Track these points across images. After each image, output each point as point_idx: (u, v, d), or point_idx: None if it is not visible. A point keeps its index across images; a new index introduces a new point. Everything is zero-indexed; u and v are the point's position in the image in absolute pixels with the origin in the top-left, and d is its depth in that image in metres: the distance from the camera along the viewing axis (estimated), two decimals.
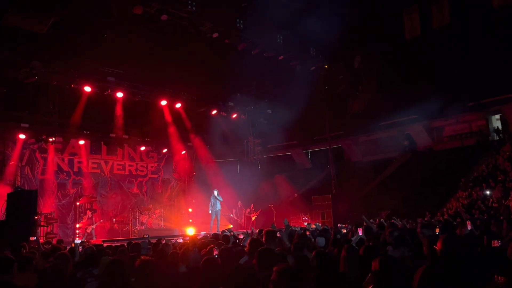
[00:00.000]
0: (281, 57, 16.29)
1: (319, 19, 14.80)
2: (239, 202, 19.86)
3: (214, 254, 4.73)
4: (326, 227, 10.64)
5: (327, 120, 19.61)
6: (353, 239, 7.27)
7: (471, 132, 21.93)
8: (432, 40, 18.68)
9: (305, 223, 17.31)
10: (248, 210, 19.38)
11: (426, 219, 13.31)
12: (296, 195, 21.36)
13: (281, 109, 19.68)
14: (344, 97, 20.46)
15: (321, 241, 5.80)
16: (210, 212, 16.22)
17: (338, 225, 11.33)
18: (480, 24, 18.14)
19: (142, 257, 3.94)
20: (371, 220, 13.19)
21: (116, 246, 7.99)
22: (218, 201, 15.93)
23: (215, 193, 16.12)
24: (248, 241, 4.41)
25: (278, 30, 15.61)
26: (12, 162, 15.54)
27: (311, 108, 19.56)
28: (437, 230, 6.55)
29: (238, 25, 14.27)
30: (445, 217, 14.45)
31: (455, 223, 9.81)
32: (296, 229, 10.35)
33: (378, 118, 21.77)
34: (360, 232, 7.69)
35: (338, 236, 6.44)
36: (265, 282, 3.25)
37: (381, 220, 11.43)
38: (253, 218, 19.01)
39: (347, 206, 18.66)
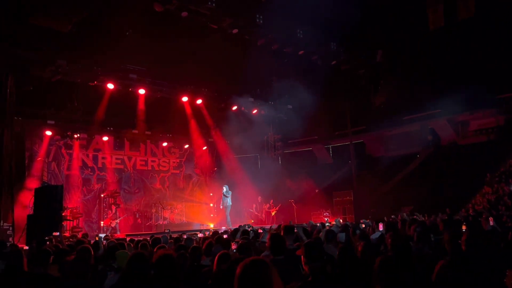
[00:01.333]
0: (301, 52, 16.20)
1: (340, 13, 14.64)
2: (259, 197, 19.93)
3: (232, 248, 4.79)
4: (347, 223, 10.59)
5: (349, 115, 19.43)
6: (373, 235, 7.23)
7: (498, 126, 21.35)
8: (456, 32, 18.24)
9: (326, 219, 17.26)
10: (268, 205, 19.44)
11: (444, 215, 13.06)
12: (317, 191, 21.27)
13: (301, 104, 19.60)
14: (366, 92, 20.20)
15: (342, 236, 5.79)
16: (221, 207, 16.82)
17: (361, 221, 11.25)
18: (505, 16, 17.63)
19: (162, 251, 4.02)
20: (392, 216, 13.09)
21: (138, 240, 8.15)
22: (227, 197, 16.38)
23: (224, 189, 16.50)
24: (268, 236, 4.44)
25: (298, 24, 15.51)
26: (39, 158, 15.99)
27: (332, 103, 19.42)
28: (464, 227, 6.44)
29: (257, 20, 14.25)
30: (470, 213, 14.17)
31: (480, 219, 9.61)
32: (317, 225, 10.35)
33: (400, 113, 21.44)
34: (380, 227, 7.64)
35: (357, 232, 6.40)
36: (312, 273, 3.34)
37: (404, 215, 11.32)
38: (272, 214, 19.06)
39: (369, 202, 18.49)
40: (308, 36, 15.83)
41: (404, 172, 21.38)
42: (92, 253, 4.87)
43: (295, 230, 5.17)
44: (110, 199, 16.89)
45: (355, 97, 19.78)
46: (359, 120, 21.55)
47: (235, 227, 9.59)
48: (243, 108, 19.61)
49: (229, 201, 16.40)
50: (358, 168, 19.96)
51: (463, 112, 21.31)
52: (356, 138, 22.11)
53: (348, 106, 19.28)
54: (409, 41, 19.13)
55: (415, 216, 11.41)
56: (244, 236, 6.65)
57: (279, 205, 19.23)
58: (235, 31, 14.18)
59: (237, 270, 2.04)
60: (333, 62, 17.57)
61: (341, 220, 13.41)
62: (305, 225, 9.35)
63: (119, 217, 16.17)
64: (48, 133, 16.03)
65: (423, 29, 17.81)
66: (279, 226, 8.87)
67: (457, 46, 19.41)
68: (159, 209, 17.77)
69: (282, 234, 4.88)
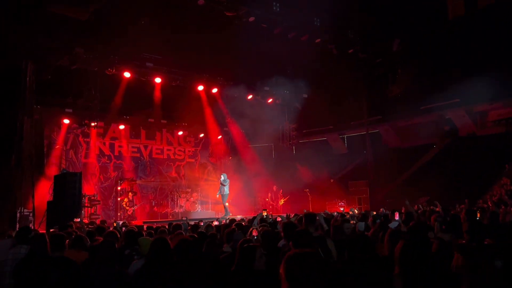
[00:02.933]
0: (317, 40, 16.05)
1: (357, 0, 14.45)
2: (274, 186, 19.94)
3: (254, 235, 4.80)
4: (366, 211, 10.56)
5: (365, 105, 19.23)
6: (390, 224, 7.19)
7: None
8: (476, 20, 17.83)
9: (341, 208, 17.22)
10: (279, 195, 19.54)
11: (462, 206, 12.90)
12: (332, 181, 21.20)
13: (317, 94, 19.47)
14: (383, 81, 19.96)
15: (360, 225, 5.78)
16: (218, 196, 16.47)
17: (381, 210, 11.20)
18: None
19: (181, 236, 4.06)
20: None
21: (156, 227, 8.24)
22: (225, 185, 16.02)
23: (222, 177, 16.20)
24: (281, 224, 4.44)
25: (315, 12, 15.34)
26: (57, 146, 16.21)
27: (348, 93, 19.25)
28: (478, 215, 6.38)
29: (274, 8, 14.14)
30: (488, 204, 13.99)
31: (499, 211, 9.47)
32: (333, 214, 10.33)
33: (417, 103, 21.10)
34: (396, 217, 7.58)
35: (378, 221, 6.37)
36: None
37: (420, 206, 11.22)
38: (280, 203, 19.13)
39: (385, 192, 18.36)
40: (325, 24, 15.66)
41: (421, 163, 21.15)
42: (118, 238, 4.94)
43: (317, 218, 5.16)
44: (126, 187, 17.09)
45: (371, 86, 19.57)
46: (376, 110, 21.32)
47: (253, 216, 9.63)
48: (258, 97, 19.57)
49: (226, 189, 16.14)
50: (373, 158, 19.80)
51: (482, 102, 20.91)
52: (372, 128, 21.89)
53: (364, 95, 19.08)
54: (427, 30, 18.77)
55: (432, 207, 11.30)
56: (263, 224, 6.67)
57: (288, 196, 19.29)
58: (251, 19, 14.09)
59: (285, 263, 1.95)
60: (350, 51, 17.36)
61: (356, 210, 13.37)
62: (322, 214, 9.33)
63: (136, 205, 16.37)
64: (66, 121, 16.23)
65: (442, 17, 17.47)
66: (295, 215, 8.88)
67: (477, 35, 18.98)
68: (175, 197, 17.93)
69: (304, 222, 4.88)
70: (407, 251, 2.95)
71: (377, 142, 22.90)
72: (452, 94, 20.08)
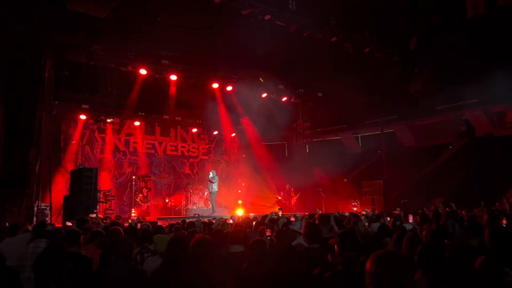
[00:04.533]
0: (333, 39, 15.94)
1: None
2: (287, 185, 19.92)
3: (267, 235, 4.82)
4: (381, 212, 10.49)
5: (380, 104, 19.06)
6: (405, 225, 7.13)
7: None
8: (497, 18, 17.50)
9: (354, 208, 17.14)
10: (292, 194, 19.54)
11: (481, 208, 12.73)
12: (345, 180, 21.09)
13: (331, 92, 19.37)
14: (399, 80, 19.74)
15: (374, 226, 5.75)
16: (206, 194, 16.42)
17: (397, 211, 11.11)
18: None
19: (198, 235, 4.09)
20: (424, 208, 12.86)
21: (171, 224, 8.31)
22: (213, 182, 15.94)
23: (211, 174, 16.13)
24: (304, 223, 4.44)
25: (330, 11, 15.24)
26: (74, 141, 16.45)
27: (362, 91, 19.08)
28: (504, 221, 6.27)
29: (290, 6, 14.09)
30: (504, 207, 13.78)
31: None
32: (345, 214, 10.29)
33: (434, 102, 20.85)
34: (410, 219, 7.53)
35: (398, 223, 6.32)
36: (346, 264, 3.33)
37: (437, 207, 11.10)
38: (293, 201, 19.14)
39: (399, 192, 18.21)
40: (341, 23, 15.56)
41: (436, 163, 20.91)
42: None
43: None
44: (141, 182, 17.25)
45: (387, 85, 19.37)
46: (390, 109, 21.12)
47: (265, 214, 9.64)
48: (272, 96, 19.56)
49: (215, 187, 16.07)
50: (388, 158, 19.63)
51: (500, 103, 20.56)
52: (387, 127, 21.70)
53: (380, 94, 18.92)
54: (445, 28, 18.49)
55: (447, 209, 11.17)
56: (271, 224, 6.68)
57: (298, 194, 19.25)
58: (267, 17, 14.06)
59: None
60: (366, 50, 17.22)
61: (368, 210, 13.27)
62: (336, 214, 9.30)
63: (150, 201, 16.53)
64: (83, 117, 16.45)
65: (461, 16, 17.17)
66: (311, 215, 8.87)
67: (496, 34, 18.64)
68: (189, 194, 18.05)
69: (317, 222, 4.88)
70: (429, 255, 2.94)
71: (391, 141, 22.72)
72: (469, 94, 19.79)
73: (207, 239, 3.77)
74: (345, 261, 3.43)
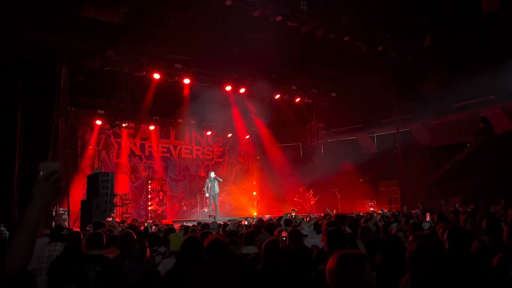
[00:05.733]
0: (346, 38, 15.84)
1: None
2: (301, 187, 19.85)
3: (283, 236, 4.79)
4: (398, 211, 10.37)
5: (395, 103, 18.86)
6: (423, 225, 7.02)
7: None
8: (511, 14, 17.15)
9: (371, 209, 16.97)
10: (307, 195, 19.41)
11: (501, 207, 12.45)
12: (361, 180, 20.92)
13: (345, 92, 19.24)
14: (413, 78, 19.51)
15: (393, 226, 5.68)
16: (207, 195, 15.81)
17: (413, 211, 10.97)
18: None
19: (211, 235, 4.08)
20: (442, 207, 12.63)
21: (186, 226, 8.35)
22: (216, 183, 15.57)
23: (212, 174, 15.83)
24: (325, 222, 4.41)
25: (343, 10, 15.15)
26: (90, 147, 16.68)
27: (377, 90, 18.90)
28: None
29: (302, 7, 14.05)
30: None
31: None
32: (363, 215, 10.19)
33: (450, 100, 20.53)
34: (427, 218, 7.41)
35: (411, 221, 6.23)
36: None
37: (456, 206, 10.91)
38: (312, 203, 19.02)
39: (416, 192, 17.96)
40: (353, 22, 15.45)
41: (453, 162, 20.58)
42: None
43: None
44: (157, 186, 17.38)
45: (402, 84, 19.16)
46: (406, 108, 20.88)
47: (280, 216, 9.61)
48: (285, 97, 19.52)
49: (217, 187, 15.82)
50: (404, 157, 19.40)
51: None
52: (403, 126, 21.46)
53: (394, 93, 18.72)
54: (459, 25, 18.20)
55: (467, 208, 10.99)
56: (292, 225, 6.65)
57: (318, 196, 19.13)
58: (278, 18, 14.05)
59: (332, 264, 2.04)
60: (380, 48, 17.07)
61: (385, 210, 13.11)
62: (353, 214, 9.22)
63: (166, 204, 16.62)
64: (98, 122, 16.67)
65: (475, 12, 16.88)
66: (325, 216, 8.81)
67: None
68: (204, 196, 18.10)
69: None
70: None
71: (407, 141, 22.43)
72: (486, 91, 19.44)
73: (221, 240, 3.77)
74: None
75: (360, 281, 1.97)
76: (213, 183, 15.81)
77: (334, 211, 15.20)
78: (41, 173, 1.82)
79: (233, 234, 5.27)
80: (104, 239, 4.69)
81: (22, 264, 1.77)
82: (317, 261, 3.80)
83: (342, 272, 1.99)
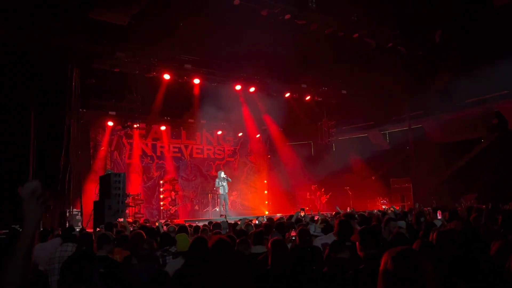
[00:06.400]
0: (355, 35, 15.74)
1: None
2: (314, 185, 19.79)
3: (292, 235, 4.79)
4: (410, 209, 10.28)
5: (407, 99, 18.69)
6: (434, 221, 6.95)
7: None
8: None
9: (383, 206, 16.85)
10: (319, 193, 19.36)
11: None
12: (373, 178, 20.78)
13: (356, 89, 19.12)
14: (425, 74, 19.30)
15: (401, 224, 5.63)
16: (222, 193, 15.85)
17: (426, 209, 10.86)
18: None
19: (215, 236, 4.10)
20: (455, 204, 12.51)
21: (196, 226, 8.39)
22: (225, 182, 15.70)
23: (222, 174, 15.92)
24: (336, 222, 4.40)
25: (351, 7, 15.05)
26: (102, 148, 16.84)
27: (388, 87, 18.75)
28: None
29: (310, 5, 13.99)
30: None
31: None
32: (374, 212, 10.13)
33: (462, 95, 20.26)
34: (439, 215, 7.32)
35: (422, 219, 6.17)
36: (367, 261, 3.26)
37: (470, 204, 10.78)
38: (323, 201, 18.96)
39: (429, 189, 17.78)
40: (363, 18, 15.33)
41: (466, 158, 20.30)
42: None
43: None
44: (169, 186, 17.49)
45: (413, 80, 18.97)
46: (418, 104, 20.68)
47: (291, 214, 9.60)
48: (295, 95, 19.47)
49: (227, 187, 15.99)
50: (416, 154, 19.21)
51: None
52: (415, 123, 21.26)
53: (406, 89, 18.54)
54: (471, 20, 17.95)
55: (479, 205, 10.84)
56: (300, 224, 6.64)
57: (330, 193, 19.06)
58: (287, 16, 14.02)
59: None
60: (390, 44, 16.91)
61: (397, 208, 12.98)
62: (364, 213, 9.16)
63: (178, 204, 16.72)
64: (110, 123, 16.82)
65: (487, 6, 16.63)
66: (336, 214, 8.77)
67: None
68: (215, 196, 18.16)
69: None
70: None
71: (420, 137, 22.23)
72: (500, 85, 19.13)
73: (225, 240, 3.78)
74: (367, 259, 3.35)
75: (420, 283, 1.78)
76: (224, 182, 15.87)
77: (349, 209, 15.15)
78: (25, 195, 1.82)
79: (243, 234, 5.28)
80: (112, 240, 4.74)
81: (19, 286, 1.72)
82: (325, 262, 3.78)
83: (401, 274, 1.81)
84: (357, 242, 3.54)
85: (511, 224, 5.21)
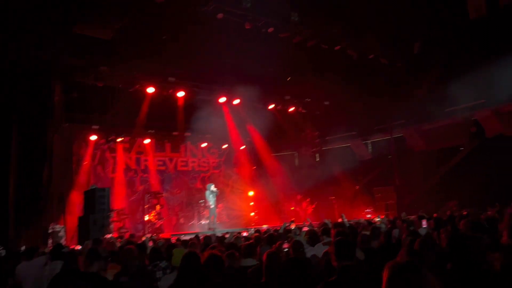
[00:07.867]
0: (337, 47, 16.02)
1: (375, 4, 14.40)
2: (298, 195, 19.87)
3: (285, 247, 4.81)
4: (395, 218, 10.41)
5: (388, 109, 19.03)
6: (419, 230, 7.08)
7: None
8: (499, 19, 17.44)
9: (368, 215, 17.00)
10: (304, 203, 19.44)
11: (496, 210, 12.54)
12: (357, 187, 21.00)
13: (338, 100, 19.39)
14: (405, 85, 19.73)
15: (396, 232, 5.73)
16: (212, 206, 15.95)
17: (411, 217, 11.01)
18: None
19: (209, 251, 4.12)
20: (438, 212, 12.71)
21: (184, 240, 8.34)
22: (214, 195, 15.83)
23: (212, 187, 16.03)
24: (332, 231, 4.44)
25: (333, 20, 15.34)
26: (85, 162, 16.59)
27: (370, 98, 19.09)
28: None
29: (293, 18, 14.22)
30: None
31: None
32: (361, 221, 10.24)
33: (442, 105, 20.74)
34: (424, 224, 7.46)
35: (412, 228, 6.28)
36: (340, 272, 3.27)
37: (452, 211, 10.99)
38: (309, 211, 19.06)
39: (412, 197, 18.05)
40: (345, 31, 15.64)
41: (448, 166, 20.73)
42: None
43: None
44: (153, 200, 17.32)
45: (393, 90, 19.37)
46: (398, 114, 21.08)
47: (278, 227, 9.63)
48: (279, 107, 19.63)
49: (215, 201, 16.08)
50: (399, 163, 19.52)
51: (509, 102, 20.37)
52: (396, 132, 21.63)
53: (387, 100, 18.90)
54: (448, 31, 18.47)
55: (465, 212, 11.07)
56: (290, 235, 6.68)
57: (315, 203, 19.17)
58: (270, 30, 14.20)
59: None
60: (371, 56, 17.27)
61: (382, 217, 13.11)
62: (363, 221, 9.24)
63: (163, 218, 16.57)
64: (93, 137, 16.61)
65: (463, 18, 17.15)
66: (323, 224, 8.83)
67: (499, 34, 18.56)
68: (201, 208, 18.07)
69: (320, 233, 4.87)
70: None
71: (401, 146, 22.61)
72: (477, 95, 19.66)
73: (217, 255, 3.80)
74: (340, 270, 3.35)
75: None
76: (214, 195, 15.95)
77: (344, 218, 15.20)
78: None
79: (232, 247, 5.29)
80: (103, 257, 4.69)
81: None
82: (325, 272, 3.82)
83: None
84: (331, 254, 3.55)
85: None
